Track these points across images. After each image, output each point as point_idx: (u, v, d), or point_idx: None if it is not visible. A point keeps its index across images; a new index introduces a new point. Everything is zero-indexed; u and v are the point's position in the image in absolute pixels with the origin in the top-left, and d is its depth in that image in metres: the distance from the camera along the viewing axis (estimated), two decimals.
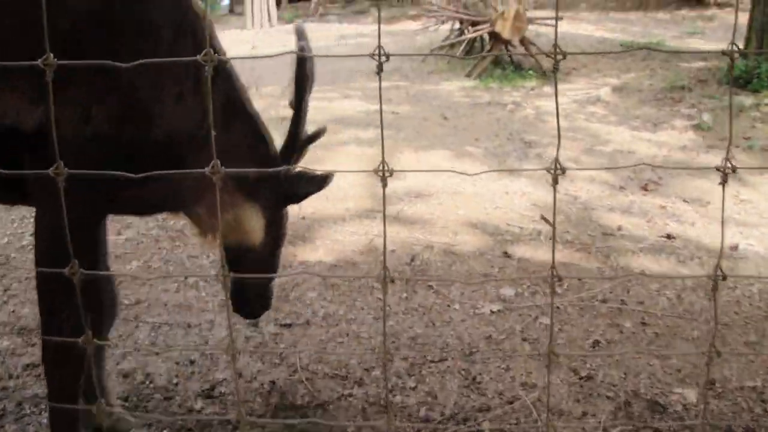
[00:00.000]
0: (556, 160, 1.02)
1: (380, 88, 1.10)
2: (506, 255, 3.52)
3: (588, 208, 4.54)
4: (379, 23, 1.17)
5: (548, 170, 1.04)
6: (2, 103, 1.49)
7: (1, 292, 3.02)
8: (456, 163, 5.27)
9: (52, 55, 0.94)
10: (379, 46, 0.99)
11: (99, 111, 1.53)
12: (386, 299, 1.08)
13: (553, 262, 1.03)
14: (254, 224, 1.92)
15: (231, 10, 26.19)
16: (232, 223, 1.88)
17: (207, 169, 0.99)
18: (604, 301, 3.02)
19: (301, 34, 1.81)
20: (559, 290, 3.11)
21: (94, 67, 1.31)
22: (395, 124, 6.27)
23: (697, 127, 6.76)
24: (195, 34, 1.64)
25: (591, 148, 6.08)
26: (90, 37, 1.53)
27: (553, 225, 1.24)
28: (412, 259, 3.38)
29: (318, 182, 2.05)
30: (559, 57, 0.99)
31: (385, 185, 0.97)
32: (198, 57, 0.99)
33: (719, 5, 18.29)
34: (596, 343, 2.63)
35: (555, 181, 1.04)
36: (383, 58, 0.99)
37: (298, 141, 2.01)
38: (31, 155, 1.53)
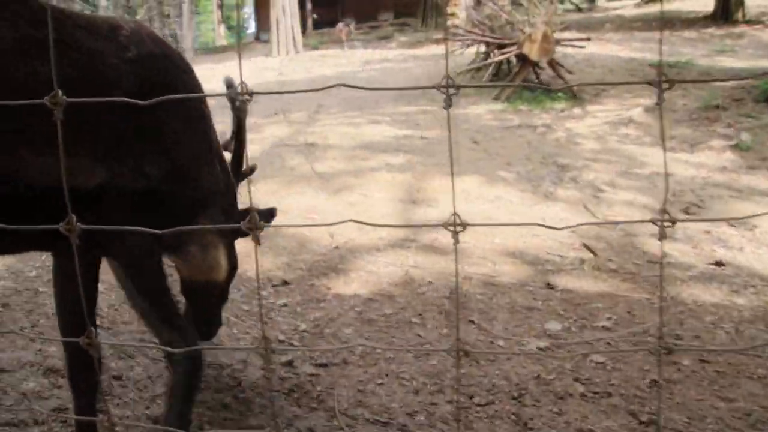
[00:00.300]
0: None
1: (449, 119, 0.97)
2: (549, 286, 3.36)
3: (629, 234, 4.35)
4: (447, 56, 1.05)
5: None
6: (71, 162, 1.54)
7: (29, 327, 2.93)
8: (488, 188, 5.13)
9: (60, 92, 0.89)
10: (447, 76, 0.88)
11: (151, 169, 1.75)
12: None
13: None
14: (224, 260, 2.13)
15: (257, 38, 26.52)
16: (211, 261, 2.09)
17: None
18: (658, 336, 2.83)
19: (230, 84, 1.99)
20: (608, 324, 2.94)
21: (145, 133, 1.71)
22: (426, 149, 6.16)
23: (736, 147, 6.54)
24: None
25: (627, 170, 5.90)
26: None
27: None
28: (451, 292, 3.23)
29: (265, 217, 2.26)
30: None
31: (456, 242, 0.85)
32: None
33: (748, 23, 18.00)
34: (654, 382, 2.44)
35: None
36: (452, 90, 0.87)
37: (240, 173, 2.25)
38: (92, 211, 1.64)
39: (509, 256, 3.76)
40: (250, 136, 7.54)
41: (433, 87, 0.88)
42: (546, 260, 3.72)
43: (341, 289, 3.32)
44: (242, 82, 0.92)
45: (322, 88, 1.00)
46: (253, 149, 6.40)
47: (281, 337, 2.79)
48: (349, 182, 5.22)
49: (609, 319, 2.99)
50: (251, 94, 0.95)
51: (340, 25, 18.26)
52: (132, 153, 1.73)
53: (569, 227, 1.15)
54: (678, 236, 4.33)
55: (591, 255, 3.78)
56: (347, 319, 2.96)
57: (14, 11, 1.54)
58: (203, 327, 2.26)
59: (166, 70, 1.86)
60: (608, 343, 2.77)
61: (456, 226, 0.85)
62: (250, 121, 8.07)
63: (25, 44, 1.52)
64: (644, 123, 7.72)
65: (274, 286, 3.38)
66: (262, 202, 4.92)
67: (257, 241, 0.92)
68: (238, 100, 2.01)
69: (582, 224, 1.11)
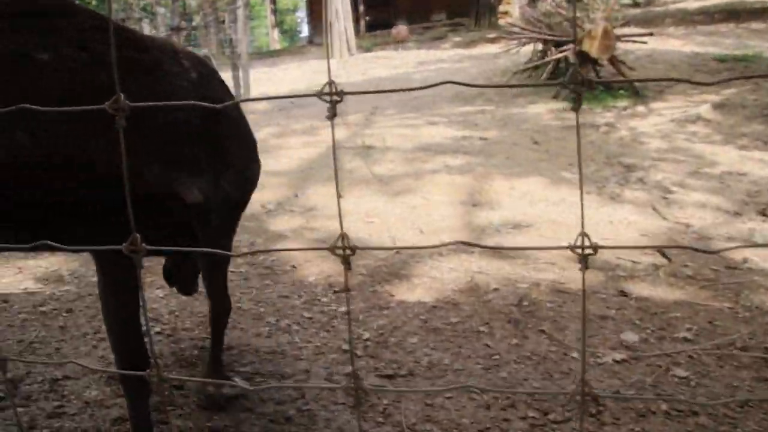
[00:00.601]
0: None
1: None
2: (623, 294, 3.19)
3: (704, 237, 4.13)
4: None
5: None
6: (168, 175, 1.72)
7: (91, 334, 2.94)
8: (552, 191, 4.96)
9: (123, 96, 0.85)
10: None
11: (224, 181, 1.94)
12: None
13: None
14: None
15: (311, 41, 26.77)
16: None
17: None
18: (744, 348, 2.64)
19: None
20: (689, 335, 2.76)
21: (219, 151, 1.91)
22: (485, 150, 6.02)
23: None
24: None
25: (696, 170, 5.62)
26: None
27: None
28: (520, 300, 3.10)
29: None
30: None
31: (584, 267, 0.75)
32: None
33: None
34: (747, 402, 2.27)
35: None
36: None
37: None
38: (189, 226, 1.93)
39: (578, 261, 3.60)
40: (307, 139, 7.56)
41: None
42: (617, 265, 3.55)
43: (404, 296, 3.23)
44: (331, 82, 0.85)
45: (426, 87, 0.92)
46: (310, 152, 6.39)
47: (344, 347, 2.72)
48: (409, 185, 5.13)
49: (689, 329, 2.81)
50: (341, 94, 0.88)
51: (400, 27, 18.07)
52: (213, 168, 1.88)
53: (717, 251, 1.02)
54: (757, 239, 4.08)
55: (665, 261, 3.59)
56: (412, 328, 2.87)
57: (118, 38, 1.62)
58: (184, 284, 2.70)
59: (217, 89, 2.03)
60: (690, 356, 2.60)
61: (584, 248, 0.75)
62: (306, 124, 8.11)
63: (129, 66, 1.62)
64: (713, 120, 7.38)
65: (335, 292, 3.32)
66: (320, 205, 4.90)
67: (348, 265, 0.84)
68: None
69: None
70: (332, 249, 0.84)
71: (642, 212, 4.61)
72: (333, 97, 0.88)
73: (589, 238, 0.76)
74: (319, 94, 0.88)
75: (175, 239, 2.00)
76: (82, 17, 1.63)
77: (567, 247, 0.78)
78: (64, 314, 3.13)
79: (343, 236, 0.84)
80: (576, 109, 0.77)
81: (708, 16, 19.08)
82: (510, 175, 5.27)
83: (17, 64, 1.47)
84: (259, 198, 5.19)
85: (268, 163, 6.18)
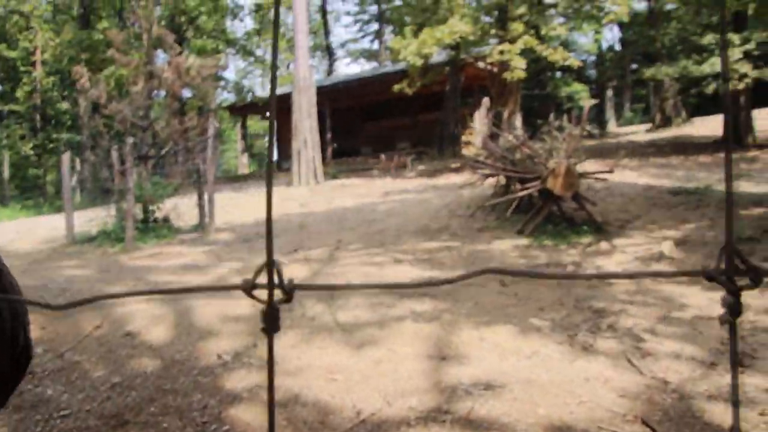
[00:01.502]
0: None
1: None
2: None
3: (685, 397, 3.94)
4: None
5: None
6: None
7: None
8: (523, 341, 4.78)
9: None
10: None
11: None
12: None
13: None
14: None
15: (278, 166, 27.21)
16: None
17: None
18: None
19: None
20: None
21: None
22: (452, 293, 5.87)
23: None
24: None
25: (667, 315, 5.54)
26: None
27: None
28: None
29: None
30: None
31: None
32: None
33: (759, 146, 18.18)
34: None
35: None
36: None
37: None
38: None
39: (556, 431, 3.36)
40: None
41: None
42: None
43: None
44: (271, 265, 0.65)
45: (470, 275, 0.75)
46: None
47: None
48: (374, 335, 4.91)
49: None
50: (287, 288, 0.68)
51: (390, 156, 18.32)
52: None
53: None
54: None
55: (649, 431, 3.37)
56: None
57: None
58: None
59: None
60: None
61: None
62: None
63: None
64: (676, 258, 7.44)
65: None
66: (281, 357, 4.61)
67: None
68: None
69: None
70: None
71: (617, 365, 4.43)
72: (273, 296, 0.67)
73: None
74: (246, 290, 0.68)
75: None
76: None
77: None
78: None
79: None
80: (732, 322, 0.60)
81: (658, 148, 20.07)
82: (479, 323, 5.10)
83: None
84: (215, 347, 4.89)
85: (227, 306, 5.94)
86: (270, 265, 0.66)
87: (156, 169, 13.36)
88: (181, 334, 5.14)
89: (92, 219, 12.58)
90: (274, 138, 0.72)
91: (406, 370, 4.26)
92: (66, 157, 13.16)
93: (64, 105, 33.32)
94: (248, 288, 0.68)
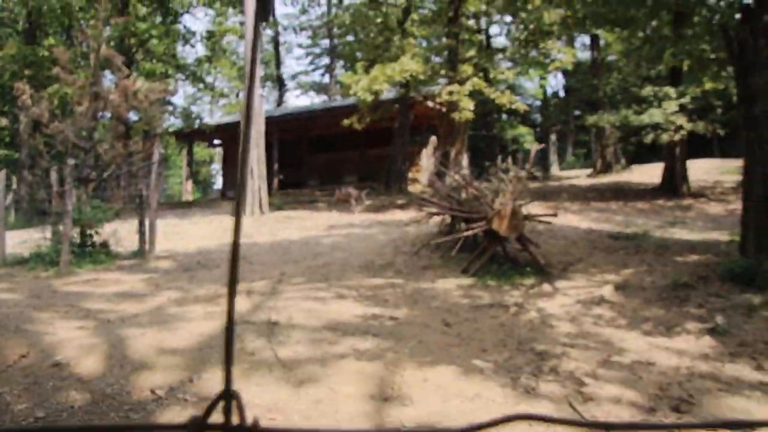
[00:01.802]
0: None
1: None
2: None
3: None
4: None
5: None
6: None
7: None
8: (466, 382, 4.74)
9: None
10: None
11: None
12: None
13: None
14: None
15: (223, 195, 26.78)
16: None
17: None
18: None
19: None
20: None
21: None
22: (395, 332, 5.80)
23: (714, 332, 6.37)
24: None
25: (607, 359, 5.60)
26: None
27: None
28: None
29: None
30: None
31: None
32: None
33: (693, 195, 18.95)
34: None
35: None
36: None
37: None
38: None
39: None
40: (210, 309, 7.08)
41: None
42: None
43: None
44: (229, 395, 0.57)
45: (499, 421, 0.67)
46: (211, 326, 5.96)
47: None
48: (315, 372, 4.78)
49: None
50: None
51: (349, 189, 17.88)
52: None
53: None
54: None
55: None
56: None
57: None
58: None
59: None
60: None
61: None
62: (210, 290, 7.69)
63: None
64: (616, 303, 7.58)
65: None
66: (215, 392, 4.43)
67: None
68: None
69: None
70: None
71: (560, 409, 4.43)
72: None
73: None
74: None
75: None
76: None
77: None
78: None
79: None
80: None
81: (599, 193, 20.67)
82: (422, 363, 5.04)
83: None
84: (149, 381, 4.67)
85: (163, 337, 5.71)
86: (228, 399, 0.57)
87: (97, 192, 12.93)
88: (114, 366, 4.89)
89: (26, 240, 12.04)
90: (245, 190, 0.65)
91: (348, 411, 4.14)
92: (1, 174, 12.63)
93: (3, 121, 32.13)
94: (197, 428, 0.58)
